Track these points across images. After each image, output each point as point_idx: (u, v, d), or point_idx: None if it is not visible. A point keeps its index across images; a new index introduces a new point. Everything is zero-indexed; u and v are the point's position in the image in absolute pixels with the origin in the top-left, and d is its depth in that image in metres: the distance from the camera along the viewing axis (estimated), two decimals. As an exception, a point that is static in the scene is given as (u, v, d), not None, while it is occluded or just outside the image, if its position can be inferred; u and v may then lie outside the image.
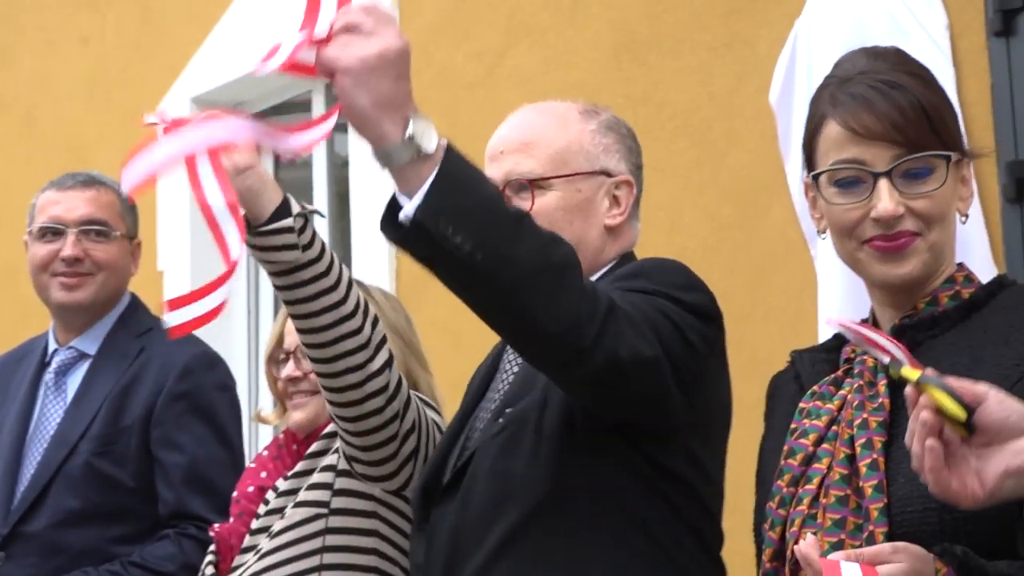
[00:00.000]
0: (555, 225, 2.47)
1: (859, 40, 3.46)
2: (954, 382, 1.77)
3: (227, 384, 3.69)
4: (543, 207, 2.52)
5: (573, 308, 2.10)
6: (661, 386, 2.24)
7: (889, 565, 1.81)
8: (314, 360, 2.65)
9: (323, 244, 2.67)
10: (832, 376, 2.16)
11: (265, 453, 3.11)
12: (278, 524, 2.84)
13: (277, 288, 2.63)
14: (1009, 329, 2.03)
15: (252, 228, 2.58)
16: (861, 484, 1.97)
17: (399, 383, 2.71)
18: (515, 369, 2.54)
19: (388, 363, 2.68)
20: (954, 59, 3.49)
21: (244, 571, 2.85)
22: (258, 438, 5.15)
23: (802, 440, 2.07)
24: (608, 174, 2.59)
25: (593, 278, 2.51)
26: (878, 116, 2.07)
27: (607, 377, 2.15)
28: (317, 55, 2.01)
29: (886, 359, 1.85)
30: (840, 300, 3.41)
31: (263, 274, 5.65)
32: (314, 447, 2.93)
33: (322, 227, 5.45)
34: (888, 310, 2.15)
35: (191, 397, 3.55)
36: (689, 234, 4.08)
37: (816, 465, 2.05)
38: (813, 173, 2.15)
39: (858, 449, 2.01)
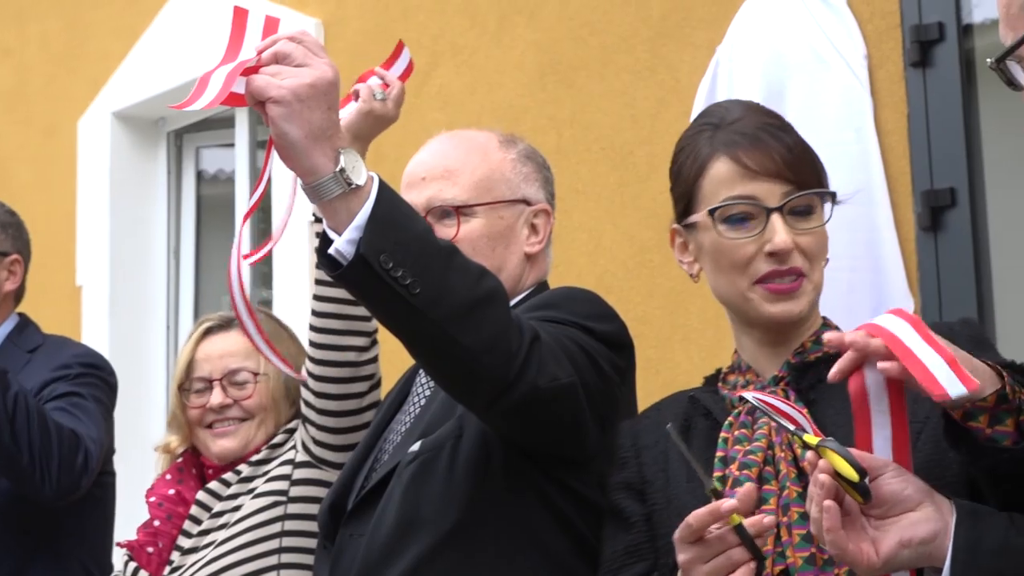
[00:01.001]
0: (478, 252, 2.52)
1: (779, 68, 3.52)
2: (853, 450, 1.83)
3: (108, 381, 3.63)
4: (467, 234, 2.54)
5: (502, 340, 2.11)
6: (578, 415, 2.26)
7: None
8: (329, 332, 2.71)
9: None
10: (739, 411, 2.16)
11: (168, 477, 3.09)
12: (235, 515, 2.85)
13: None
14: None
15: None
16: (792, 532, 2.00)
17: (379, 379, 2.79)
18: (426, 393, 2.55)
19: (377, 356, 2.77)
20: (872, 89, 3.54)
21: (200, 563, 2.85)
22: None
23: (746, 471, 2.06)
24: (528, 202, 2.63)
25: (511, 304, 2.52)
26: (770, 154, 2.12)
27: (528, 407, 2.17)
28: (247, 84, 2.00)
29: (791, 427, 1.90)
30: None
31: (183, 292, 5.65)
32: (253, 463, 2.93)
33: (244, 246, 5.42)
34: (766, 350, 2.20)
35: (71, 378, 3.51)
36: (610, 256, 4.11)
37: (767, 487, 2.05)
38: (709, 209, 2.17)
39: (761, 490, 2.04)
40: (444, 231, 2.53)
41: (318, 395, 2.75)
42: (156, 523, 3.02)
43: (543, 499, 2.33)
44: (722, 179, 2.16)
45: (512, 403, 2.15)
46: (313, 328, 2.74)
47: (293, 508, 2.83)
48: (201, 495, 2.97)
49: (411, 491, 2.35)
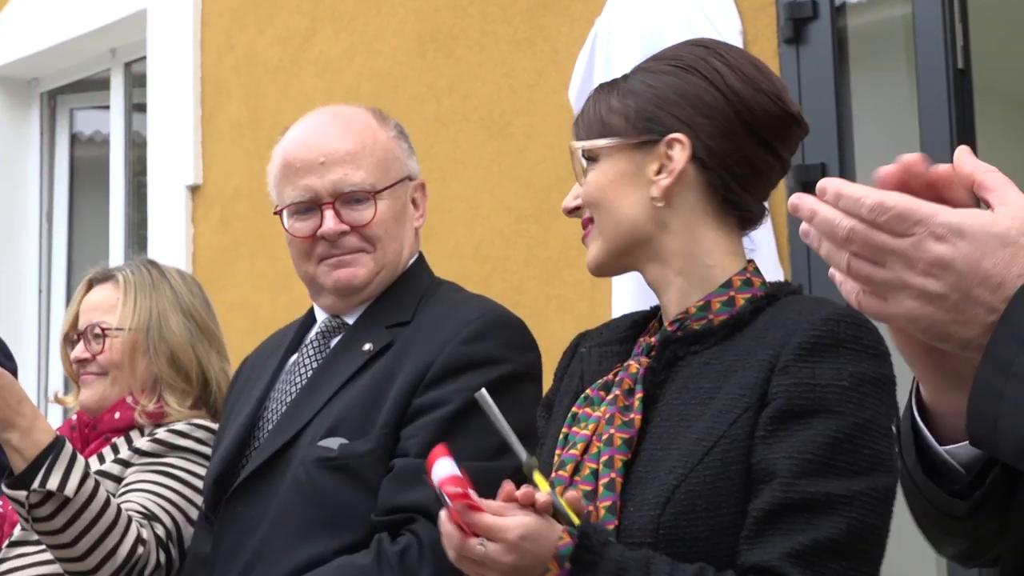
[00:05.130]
0: (389, 234, 2.56)
1: (656, 41, 3.55)
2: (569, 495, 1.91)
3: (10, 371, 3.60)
4: (380, 217, 2.55)
5: None
6: None
7: (512, 518, 1.87)
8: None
9: (70, 519, 2.59)
10: (603, 380, 2.10)
11: None
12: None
13: None
14: (749, 356, 1.96)
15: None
16: (597, 504, 1.97)
17: (135, 561, 2.67)
18: (313, 365, 2.56)
19: (129, 556, 2.65)
20: (747, 64, 3.60)
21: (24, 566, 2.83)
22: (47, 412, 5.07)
23: (571, 451, 2.05)
24: (411, 178, 2.64)
25: (396, 276, 2.60)
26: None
27: None
28: None
29: (523, 456, 1.92)
30: (631, 295, 3.49)
31: (55, 256, 5.58)
32: (142, 446, 2.91)
33: (119, 209, 5.38)
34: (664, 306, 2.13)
35: None
36: (488, 226, 4.13)
37: (577, 479, 2.04)
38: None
39: (600, 466, 1.99)
40: (356, 215, 2.53)
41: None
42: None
43: None
44: None
45: None
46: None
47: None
48: None
49: (326, 488, 2.37)
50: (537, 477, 1.95)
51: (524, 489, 1.91)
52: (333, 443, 2.42)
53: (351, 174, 2.53)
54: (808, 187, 3.52)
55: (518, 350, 2.51)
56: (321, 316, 2.65)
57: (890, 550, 1.92)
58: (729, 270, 2.04)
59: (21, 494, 2.53)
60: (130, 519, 2.66)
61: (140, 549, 2.65)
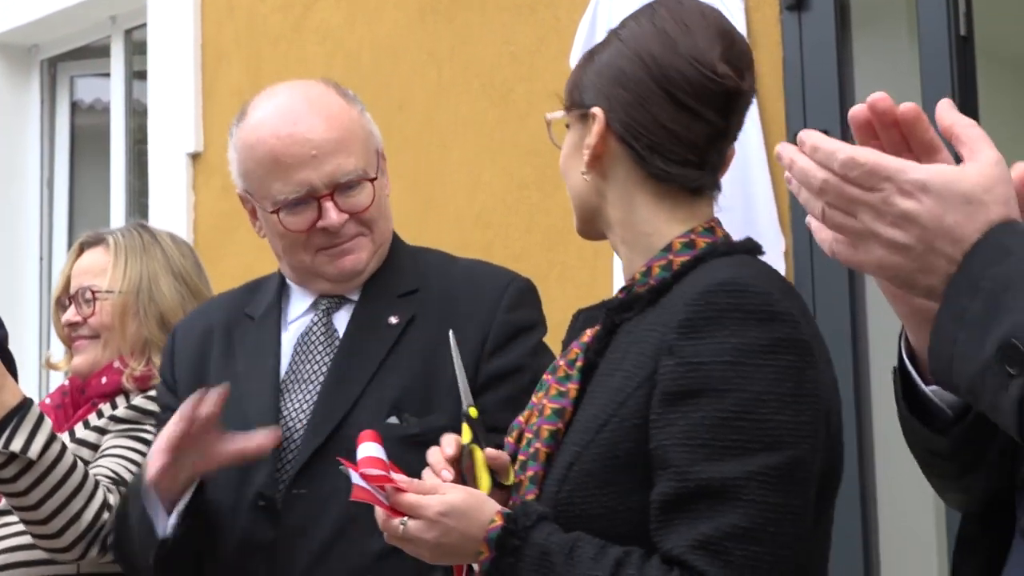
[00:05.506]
0: (383, 212, 2.56)
1: (658, 8, 3.54)
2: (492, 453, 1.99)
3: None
4: (377, 199, 2.54)
5: None
6: None
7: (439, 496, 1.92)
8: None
9: (33, 482, 2.60)
10: (567, 348, 2.07)
11: (48, 401, 3.08)
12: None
13: None
14: (650, 330, 1.91)
15: None
16: (524, 474, 1.97)
17: (101, 526, 2.68)
18: (331, 352, 2.52)
19: (94, 521, 2.66)
20: (748, 31, 3.58)
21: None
22: (48, 385, 5.08)
23: (520, 417, 2.06)
24: (382, 155, 2.62)
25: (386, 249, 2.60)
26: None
27: None
28: None
29: (464, 405, 2.05)
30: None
31: (56, 223, 5.58)
32: (120, 414, 2.91)
33: (119, 176, 5.37)
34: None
35: None
36: (489, 193, 4.13)
37: (520, 446, 2.04)
38: None
39: (527, 437, 2.00)
40: (353, 201, 2.51)
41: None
42: None
43: None
44: None
45: None
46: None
47: None
48: None
49: (411, 465, 2.17)
50: (465, 428, 2.01)
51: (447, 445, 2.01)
52: (409, 420, 2.41)
53: (344, 163, 2.50)
54: (810, 154, 3.51)
55: (541, 313, 2.61)
56: (302, 290, 2.62)
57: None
58: (669, 235, 1.99)
59: None
60: (97, 484, 2.66)
61: (106, 514, 2.65)
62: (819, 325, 1.97)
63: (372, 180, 2.54)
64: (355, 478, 1.99)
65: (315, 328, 2.56)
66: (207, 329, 2.64)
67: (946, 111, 1.47)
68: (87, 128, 5.73)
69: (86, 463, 2.74)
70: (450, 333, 2.05)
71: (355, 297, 2.58)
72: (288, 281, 2.64)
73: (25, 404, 2.58)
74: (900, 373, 1.64)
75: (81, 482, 2.62)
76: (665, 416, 1.82)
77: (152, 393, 2.87)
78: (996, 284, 1.37)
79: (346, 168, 2.50)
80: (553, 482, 1.91)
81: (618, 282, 3.61)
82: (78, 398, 3.01)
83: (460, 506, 1.92)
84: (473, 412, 2.05)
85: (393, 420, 2.42)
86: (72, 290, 3.02)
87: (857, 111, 1.50)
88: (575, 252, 3.92)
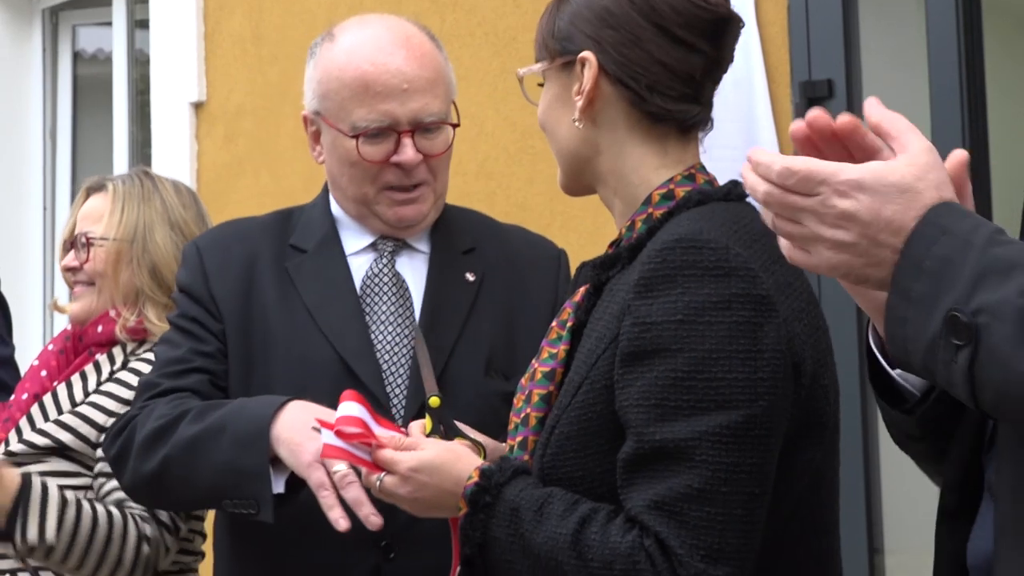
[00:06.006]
0: (448, 166, 2.56)
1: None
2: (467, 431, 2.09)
3: None
4: (449, 150, 2.54)
5: None
6: None
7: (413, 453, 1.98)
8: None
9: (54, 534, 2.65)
10: (564, 307, 2.05)
11: (51, 347, 3.08)
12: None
13: None
14: (621, 291, 1.89)
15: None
16: (514, 439, 1.98)
17: (145, 558, 2.73)
18: (403, 299, 2.50)
19: (136, 557, 2.71)
20: (753, -21, 3.57)
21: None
22: (53, 330, 5.09)
23: (522, 379, 2.04)
24: (455, 106, 2.61)
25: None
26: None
27: None
28: None
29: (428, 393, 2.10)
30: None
31: (59, 174, 5.58)
32: (116, 372, 2.91)
33: (122, 127, 5.36)
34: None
35: None
36: (492, 142, 4.12)
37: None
38: None
39: (519, 401, 2.00)
40: (429, 144, 2.49)
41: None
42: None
43: None
44: None
45: None
46: None
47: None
48: (46, 399, 2.94)
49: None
50: (427, 418, 2.12)
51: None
52: (495, 377, 2.44)
53: (430, 104, 2.48)
54: (814, 102, 3.51)
55: None
56: (358, 227, 2.58)
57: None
58: (655, 182, 1.96)
59: (9, 548, 2.64)
60: (125, 521, 2.71)
61: (146, 548, 2.71)
62: (825, 314, 1.96)
63: (454, 126, 2.53)
64: (326, 437, 2.07)
65: (384, 271, 2.53)
66: (249, 255, 2.55)
67: (873, 108, 1.54)
68: (89, 78, 5.72)
69: (116, 415, 2.77)
70: (416, 326, 2.08)
71: (419, 246, 2.57)
72: (338, 214, 2.59)
73: (24, 486, 2.64)
74: (869, 359, 1.71)
75: (109, 530, 2.68)
76: (624, 377, 1.81)
77: (149, 356, 2.87)
78: (936, 263, 1.43)
79: (431, 109, 2.49)
80: (539, 446, 1.91)
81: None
82: (77, 345, 3.01)
83: (433, 461, 1.96)
84: (435, 401, 2.10)
85: (490, 378, 2.44)
86: (74, 235, 3.03)
87: (796, 129, 1.56)
88: (578, 202, 3.90)
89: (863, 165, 1.49)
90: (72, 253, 3.00)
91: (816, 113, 1.54)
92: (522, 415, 1.97)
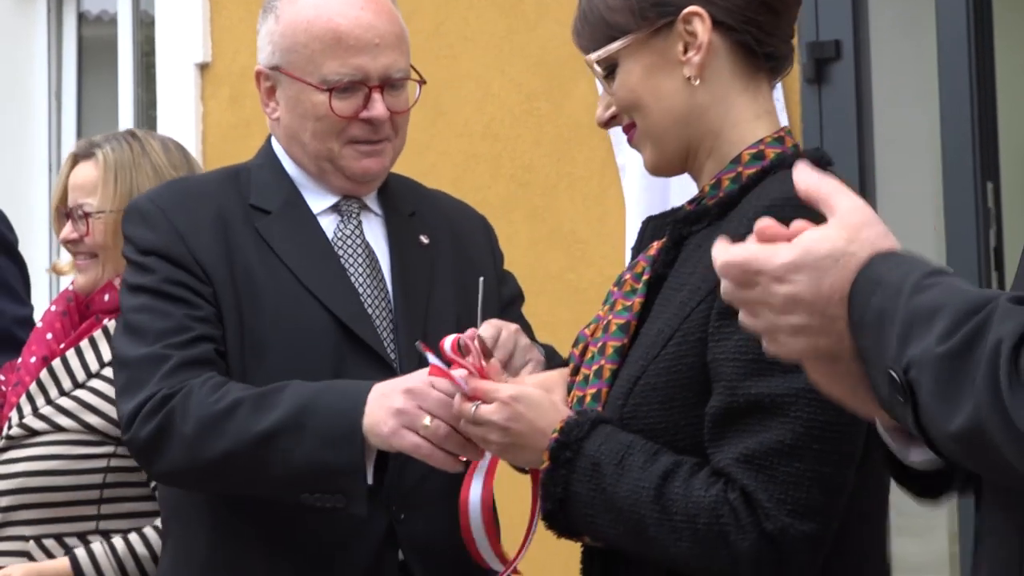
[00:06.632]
0: (404, 122, 2.52)
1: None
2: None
3: (10, 241, 3.60)
4: (408, 105, 2.52)
5: None
6: None
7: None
8: None
9: None
10: (634, 260, 2.06)
11: (53, 308, 3.08)
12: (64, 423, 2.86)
13: None
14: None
15: None
16: (586, 390, 1.97)
17: None
18: (366, 257, 2.50)
19: None
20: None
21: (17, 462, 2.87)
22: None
23: (585, 329, 2.06)
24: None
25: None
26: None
27: None
28: None
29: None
30: (642, 173, 3.48)
31: (64, 135, 5.57)
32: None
33: (127, 88, 5.36)
34: None
35: None
36: (498, 104, 4.11)
37: (583, 362, 2.05)
38: None
39: (591, 352, 2.00)
40: (394, 101, 2.48)
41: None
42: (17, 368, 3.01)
43: None
44: None
45: None
46: None
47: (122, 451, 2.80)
48: (55, 364, 2.94)
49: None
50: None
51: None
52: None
53: (398, 60, 2.48)
54: (822, 64, 3.50)
55: None
56: (317, 186, 2.55)
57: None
58: (746, 143, 1.96)
59: None
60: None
61: None
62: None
63: (421, 82, 2.53)
64: (432, 359, 2.06)
65: (354, 233, 2.51)
66: (217, 215, 2.47)
67: (800, 175, 1.50)
68: (94, 39, 5.70)
69: None
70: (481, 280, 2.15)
71: (374, 208, 2.55)
72: (295, 173, 2.55)
73: (75, 567, 2.79)
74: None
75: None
76: (720, 330, 1.83)
77: None
78: (874, 316, 1.38)
79: (399, 65, 2.48)
80: (618, 396, 1.91)
81: (628, 194, 3.61)
82: (84, 311, 3.01)
83: (533, 396, 1.95)
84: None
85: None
86: (69, 204, 3.02)
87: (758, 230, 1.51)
88: (583, 163, 3.91)
89: (796, 242, 1.44)
90: (70, 225, 3.00)
91: (765, 223, 1.49)
92: (595, 367, 1.96)
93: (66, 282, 3.14)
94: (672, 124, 1.97)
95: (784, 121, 3.42)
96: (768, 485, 1.77)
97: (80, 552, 2.75)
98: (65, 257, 3.23)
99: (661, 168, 2.03)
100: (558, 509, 1.89)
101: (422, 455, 2.15)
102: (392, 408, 2.16)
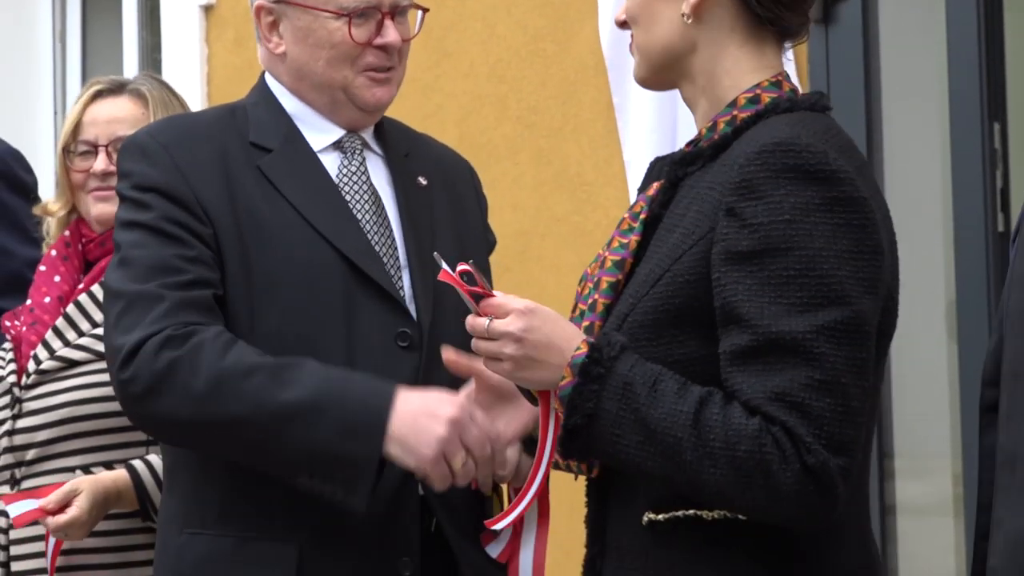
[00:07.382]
0: (407, 50, 2.52)
1: None
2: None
3: (26, 183, 3.59)
4: (411, 34, 2.51)
5: None
6: None
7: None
8: None
9: None
10: (637, 200, 2.09)
11: (53, 253, 3.05)
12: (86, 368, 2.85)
13: None
14: (710, 187, 1.94)
15: None
16: (581, 323, 2.00)
17: None
18: (371, 196, 2.49)
19: None
20: None
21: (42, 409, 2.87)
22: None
23: (588, 268, 2.08)
24: None
25: None
26: None
27: None
28: None
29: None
30: (647, 115, 3.48)
31: (69, 78, 5.56)
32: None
33: (132, 31, 5.34)
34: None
35: None
36: (504, 45, 4.09)
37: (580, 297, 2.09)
38: None
39: (587, 288, 2.04)
40: (403, 29, 2.48)
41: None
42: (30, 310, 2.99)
43: None
44: None
45: None
46: None
47: None
48: (71, 308, 2.94)
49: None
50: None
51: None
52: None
53: None
54: (829, 4, 3.48)
55: None
56: (320, 120, 2.53)
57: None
58: (741, 88, 2.00)
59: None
60: None
61: None
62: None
63: (424, 10, 2.52)
64: (443, 264, 2.05)
65: (359, 170, 2.50)
66: (218, 153, 2.44)
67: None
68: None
69: None
70: (436, 254, 2.11)
71: (374, 146, 2.53)
72: (295, 110, 2.52)
73: (135, 477, 2.78)
74: None
75: None
76: (729, 274, 1.86)
77: None
78: None
79: None
80: (609, 331, 1.94)
81: (632, 136, 3.60)
82: (94, 249, 2.98)
83: (547, 310, 1.97)
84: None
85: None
86: (96, 139, 2.97)
87: None
88: (589, 105, 3.90)
89: None
90: (106, 158, 2.95)
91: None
92: (589, 301, 2.00)
93: (53, 224, 3.08)
94: (659, 48, 2.03)
95: (793, 72, 3.44)
96: (804, 421, 1.81)
97: (138, 463, 2.73)
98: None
99: (645, 81, 2.10)
100: (584, 424, 1.89)
101: (442, 486, 2.21)
102: (436, 435, 2.18)
